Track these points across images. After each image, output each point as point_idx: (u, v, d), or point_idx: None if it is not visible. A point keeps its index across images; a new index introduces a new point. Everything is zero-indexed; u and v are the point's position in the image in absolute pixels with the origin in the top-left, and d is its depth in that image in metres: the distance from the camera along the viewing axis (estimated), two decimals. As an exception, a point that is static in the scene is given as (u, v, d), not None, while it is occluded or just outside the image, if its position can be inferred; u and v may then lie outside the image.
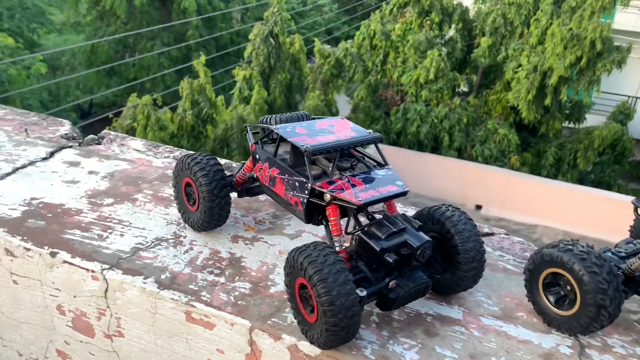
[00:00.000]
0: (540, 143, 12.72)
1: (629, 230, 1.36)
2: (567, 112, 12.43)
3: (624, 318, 1.21)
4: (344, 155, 1.24)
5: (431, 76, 12.03)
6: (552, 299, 1.16)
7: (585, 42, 10.60)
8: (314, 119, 1.36)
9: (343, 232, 1.14)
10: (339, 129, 1.23)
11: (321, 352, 1.07)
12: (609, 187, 12.21)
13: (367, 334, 1.12)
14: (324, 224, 1.17)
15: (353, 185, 1.11)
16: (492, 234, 1.50)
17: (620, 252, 1.21)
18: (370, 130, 1.24)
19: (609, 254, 1.21)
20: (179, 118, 12.03)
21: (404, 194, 1.13)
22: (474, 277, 1.17)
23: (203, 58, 12.07)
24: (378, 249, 1.06)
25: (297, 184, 1.16)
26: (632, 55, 11.15)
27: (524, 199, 11.46)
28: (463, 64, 13.24)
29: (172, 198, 1.57)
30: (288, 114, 1.36)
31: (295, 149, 1.18)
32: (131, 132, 11.22)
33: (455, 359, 1.07)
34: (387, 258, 1.06)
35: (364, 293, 1.04)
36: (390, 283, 1.07)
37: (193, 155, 1.35)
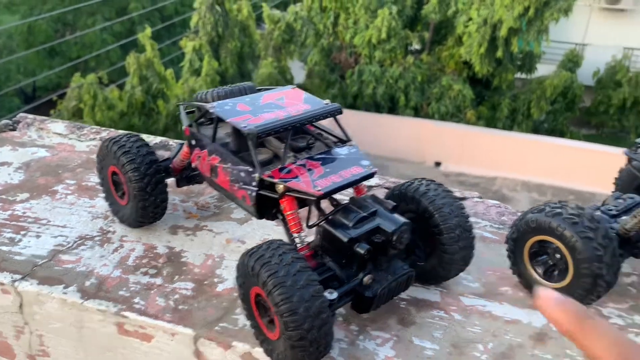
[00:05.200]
0: (494, 96, 12.80)
1: (614, 183, 1.24)
2: (519, 63, 12.48)
3: (617, 282, 1.08)
4: (298, 133, 1.04)
5: (383, 36, 11.83)
6: (540, 270, 1.02)
7: (532, -8, 10.56)
8: (259, 90, 1.15)
9: (304, 226, 0.96)
10: (289, 102, 1.03)
11: None
12: (562, 134, 12.44)
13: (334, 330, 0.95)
14: (280, 218, 0.99)
15: (310, 171, 0.92)
16: (464, 199, 1.35)
17: (610, 210, 1.08)
18: (328, 101, 1.04)
19: (599, 213, 1.07)
20: (128, 95, 11.51)
21: (370, 176, 0.95)
22: (464, 258, 1.01)
23: (149, 31, 11.51)
24: (346, 240, 0.88)
25: (242, 173, 0.96)
26: (577, 3, 11.20)
27: (481, 152, 11.55)
28: (414, 21, 13.05)
29: (99, 187, 1.35)
30: (228, 87, 1.15)
31: (237, 131, 0.98)
32: (78, 113, 10.73)
33: (436, 350, 0.92)
34: (358, 249, 0.88)
35: (334, 295, 0.86)
36: (365, 279, 0.90)
37: (117, 139, 1.13)
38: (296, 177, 0.90)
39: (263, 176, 0.91)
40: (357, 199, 0.96)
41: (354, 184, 0.93)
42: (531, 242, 1.01)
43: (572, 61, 12.72)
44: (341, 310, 1.00)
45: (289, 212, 0.93)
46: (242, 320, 0.96)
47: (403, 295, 1.04)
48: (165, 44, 15.21)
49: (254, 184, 0.93)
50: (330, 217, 0.92)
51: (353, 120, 11.97)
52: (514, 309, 1.02)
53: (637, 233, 1.02)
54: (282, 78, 12.39)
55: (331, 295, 0.85)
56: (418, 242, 1.01)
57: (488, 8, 11.29)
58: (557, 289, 0.98)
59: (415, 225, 0.98)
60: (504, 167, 11.37)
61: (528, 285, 1.04)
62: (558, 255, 0.98)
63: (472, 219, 1.24)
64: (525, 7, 10.83)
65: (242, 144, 0.99)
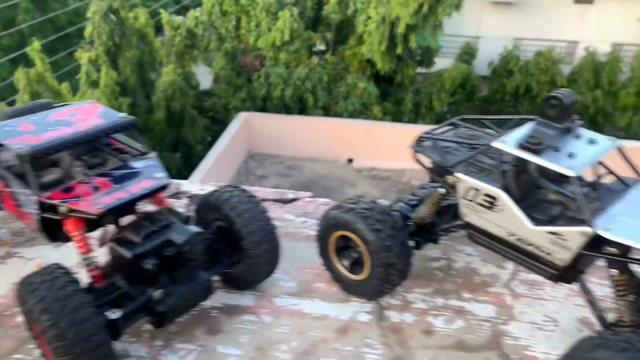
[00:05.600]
0: (398, 91, 13.21)
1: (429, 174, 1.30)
2: (419, 58, 12.94)
3: (424, 267, 1.15)
4: (95, 149, 1.02)
5: (286, 38, 11.87)
6: (346, 263, 1.06)
7: (424, -11, 10.99)
8: (57, 106, 1.11)
9: (93, 246, 0.94)
10: (82, 118, 1.00)
11: (75, 384, 0.87)
12: (464, 124, 13.05)
13: (136, 348, 0.94)
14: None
15: (96, 189, 0.90)
16: (296, 199, 1.37)
17: (411, 201, 1.13)
18: (124, 114, 1.03)
19: (401, 204, 1.13)
20: (18, 113, 10.77)
21: (163, 188, 0.95)
22: (270, 261, 1.03)
23: (37, 44, 10.90)
24: (129, 256, 0.87)
25: (23, 197, 0.92)
26: (468, -2, 11.82)
27: (390, 146, 11.87)
28: (316, 22, 13.21)
29: None
30: (19, 106, 1.11)
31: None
32: (-35, 136, 9.87)
33: (240, 356, 0.93)
34: (146, 265, 0.87)
35: (117, 314, 0.85)
36: (155, 293, 0.89)
37: None
38: (78, 196, 0.88)
39: (41, 198, 0.88)
40: (151, 212, 0.95)
41: (143, 197, 0.92)
42: (334, 238, 1.04)
43: (468, 53, 13.38)
44: (149, 326, 0.98)
45: (74, 234, 0.91)
46: (39, 350, 0.92)
47: (215, 303, 1.04)
48: (61, 56, 14.49)
49: (34, 206, 0.90)
50: (118, 235, 0.90)
51: (265, 123, 11.95)
52: (324, 305, 1.05)
53: (432, 220, 1.08)
54: (187, 84, 12.13)
55: (113, 314, 0.84)
56: (225, 249, 1.01)
57: (385, 6, 11.63)
58: (360, 281, 1.02)
59: (221, 233, 0.98)
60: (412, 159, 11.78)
61: (338, 279, 1.07)
62: (359, 249, 1.02)
63: (301, 219, 1.27)
64: (419, 4, 11.24)
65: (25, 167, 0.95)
